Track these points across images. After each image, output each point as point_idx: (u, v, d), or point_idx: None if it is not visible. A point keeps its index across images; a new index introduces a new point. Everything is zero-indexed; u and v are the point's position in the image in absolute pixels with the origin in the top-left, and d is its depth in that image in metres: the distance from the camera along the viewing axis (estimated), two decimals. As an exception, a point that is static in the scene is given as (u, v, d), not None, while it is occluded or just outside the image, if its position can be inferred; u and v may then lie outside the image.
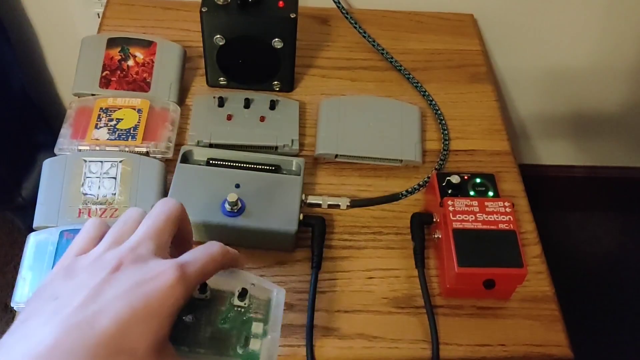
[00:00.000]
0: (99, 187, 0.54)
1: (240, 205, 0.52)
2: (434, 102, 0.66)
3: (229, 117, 0.61)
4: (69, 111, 0.60)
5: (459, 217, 0.50)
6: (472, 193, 0.54)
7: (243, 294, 0.37)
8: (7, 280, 1.02)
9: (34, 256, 0.48)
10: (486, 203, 0.51)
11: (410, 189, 0.58)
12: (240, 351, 0.36)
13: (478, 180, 0.55)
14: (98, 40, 0.64)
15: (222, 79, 0.65)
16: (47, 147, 0.62)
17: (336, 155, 0.60)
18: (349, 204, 0.56)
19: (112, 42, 0.64)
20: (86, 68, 0.63)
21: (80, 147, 0.57)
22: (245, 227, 0.52)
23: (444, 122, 0.65)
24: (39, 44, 0.87)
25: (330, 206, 0.56)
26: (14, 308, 0.48)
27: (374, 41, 0.70)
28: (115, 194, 0.54)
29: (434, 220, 0.54)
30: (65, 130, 0.58)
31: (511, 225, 0.50)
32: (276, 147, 0.59)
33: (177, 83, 0.63)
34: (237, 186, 0.54)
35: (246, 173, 0.55)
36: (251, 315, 0.37)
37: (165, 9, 0.74)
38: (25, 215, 0.95)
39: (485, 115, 0.67)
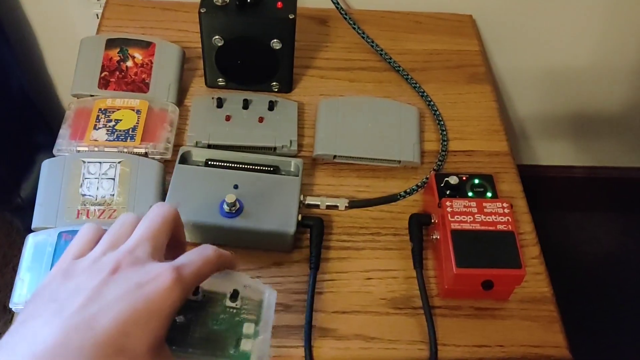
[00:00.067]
0: (98, 188, 0.54)
1: (238, 206, 0.52)
2: (432, 103, 0.66)
3: (228, 118, 0.61)
4: (67, 112, 0.60)
5: (457, 218, 0.50)
6: (470, 194, 0.54)
7: (235, 295, 0.38)
8: (6, 281, 1.02)
9: (32, 257, 0.48)
10: (484, 204, 0.51)
11: (408, 190, 0.58)
12: (232, 351, 0.37)
13: (476, 181, 0.55)
14: (97, 41, 0.64)
15: (220, 79, 0.65)
16: (46, 147, 0.62)
17: (335, 156, 0.60)
18: (347, 204, 0.56)
19: (111, 43, 0.64)
20: (85, 69, 0.63)
21: (79, 148, 0.57)
22: (243, 228, 0.52)
23: (442, 122, 0.65)
24: (38, 45, 0.87)
25: (328, 207, 0.56)
26: (12, 309, 0.48)
27: (372, 42, 0.70)
28: (113, 195, 0.54)
29: (433, 221, 0.54)
30: (64, 131, 0.58)
31: (509, 226, 0.50)
32: (275, 148, 0.59)
33: (176, 84, 0.63)
34: (236, 187, 0.54)
35: (245, 174, 0.55)
36: (243, 316, 0.38)
37: (164, 10, 0.74)
38: (24, 216, 0.95)
39: (484, 116, 0.67)
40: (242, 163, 0.56)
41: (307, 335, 0.49)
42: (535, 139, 1.00)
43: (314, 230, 0.54)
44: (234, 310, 0.38)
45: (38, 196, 0.54)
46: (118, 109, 0.59)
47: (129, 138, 0.57)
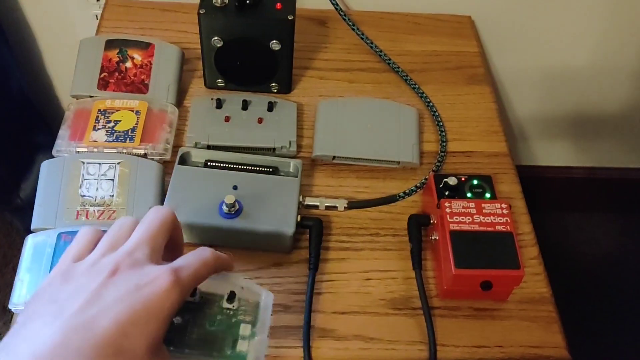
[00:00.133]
0: (97, 189, 0.54)
1: (237, 206, 0.52)
2: (431, 104, 0.66)
3: (227, 119, 0.61)
4: (67, 113, 0.60)
5: (456, 218, 0.50)
6: (469, 195, 0.54)
7: (232, 297, 0.38)
8: (6, 282, 1.02)
9: (31, 258, 0.48)
10: (483, 205, 0.51)
11: (407, 191, 0.58)
12: (228, 352, 0.37)
13: (475, 181, 0.55)
14: (96, 42, 0.64)
15: (220, 80, 0.65)
16: (46, 148, 0.62)
17: (334, 157, 0.60)
18: (346, 205, 0.56)
19: (110, 44, 0.64)
20: (84, 70, 0.63)
21: (78, 149, 0.57)
22: (242, 229, 0.52)
23: (441, 123, 0.65)
24: (38, 46, 0.87)
25: (327, 208, 0.56)
26: (12, 310, 0.48)
27: (371, 43, 0.70)
28: (113, 195, 0.54)
29: (431, 221, 0.54)
30: (64, 132, 0.58)
31: (508, 226, 0.50)
32: (274, 149, 0.59)
33: (175, 85, 0.63)
34: (235, 188, 0.54)
35: (244, 175, 0.55)
36: (240, 317, 0.38)
37: (163, 11, 0.74)
38: (24, 217, 0.95)
39: (483, 117, 0.67)
40: (242, 164, 0.56)
41: (305, 336, 0.49)
42: (534, 139, 1.00)
43: (313, 231, 0.54)
44: (231, 312, 0.38)
45: (37, 197, 0.54)
46: (117, 110, 0.59)
47: (128, 139, 0.57)
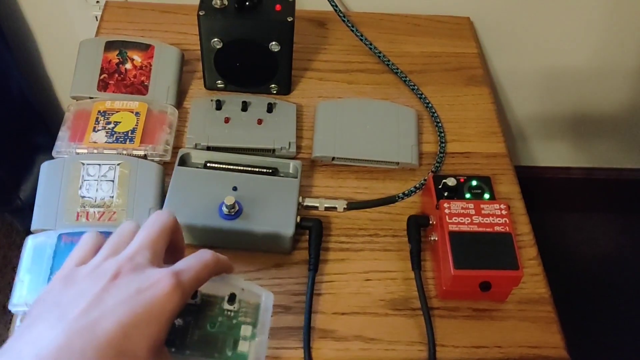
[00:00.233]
0: (97, 190, 0.54)
1: (237, 207, 0.52)
2: (430, 105, 0.66)
3: (227, 120, 0.61)
4: (67, 114, 0.60)
5: (455, 219, 0.51)
6: (468, 195, 0.54)
7: (232, 298, 0.39)
8: (6, 282, 1.02)
9: (32, 259, 0.48)
10: (482, 205, 0.52)
11: (406, 192, 0.58)
12: (229, 353, 0.37)
13: (474, 182, 0.55)
14: (96, 43, 0.65)
15: (219, 82, 0.65)
16: (46, 149, 0.62)
17: (333, 158, 0.60)
18: (345, 206, 0.56)
19: (110, 46, 0.64)
20: (84, 71, 0.63)
21: (78, 150, 0.57)
22: (242, 230, 0.52)
23: (440, 124, 0.65)
24: (38, 47, 0.87)
25: (327, 208, 0.56)
26: (12, 311, 0.48)
27: (370, 44, 0.71)
28: (113, 196, 0.54)
29: (431, 222, 0.54)
30: (63, 133, 0.58)
31: (507, 227, 0.50)
32: (273, 150, 0.60)
33: (175, 86, 0.63)
34: (235, 189, 0.54)
35: (243, 176, 0.55)
36: (240, 319, 0.39)
37: (162, 12, 0.74)
38: (24, 218, 0.95)
39: (482, 118, 0.67)
40: (241, 165, 0.56)
41: (306, 337, 0.49)
42: (533, 140, 1.01)
43: (312, 232, 0.54)
44: (232, 313, 0.39)
45: (37, 198, 0.54)
46: (117, 111, 0.59)
47: (128, 140, 0.57)
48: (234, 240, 0.53)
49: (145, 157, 0.57)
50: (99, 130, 0.58)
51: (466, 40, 0.75)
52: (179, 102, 0.64)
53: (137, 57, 0.64)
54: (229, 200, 0.51)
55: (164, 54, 0.64)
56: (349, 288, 0.53)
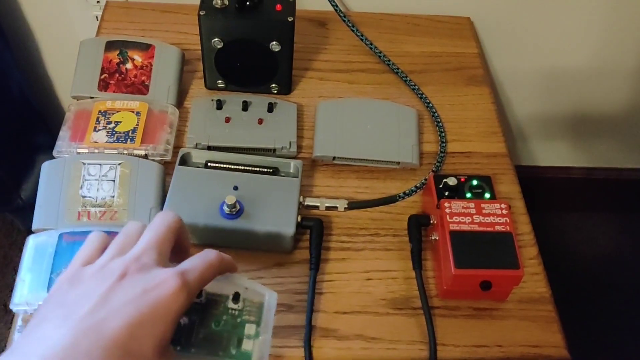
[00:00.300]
0: (98, 190, 0.54)
1: (238, 207, 0.52)
2: (431, 105, 0.67)
3: (227, 120, 0.61)
4: (67, 114, 0.60)
5: (456, 219, 0.51)
6: (468, 195, 0.54)
7: (236, 297, 0.39)
8: (7, 282, 1.02)
9: (33, 258, 0.49)
10: (483, 205, 0.52)
11: (407, 191, 0.58)
12: (233, 351, 0.38)
13: (475, 182, 0.55)
14: (96, 43, 0.65)
15: (220, 81, 0.65)
16: (46, 149, 0.62)
17: (334, 158, 0.60)
18: (346, 206, 0.56)
19: (110, 45, 0.64)
20: (85, 71, 0.63)
21: (79, 150, 0.57)
22: (243, 229, 0.52)
23: (441, 124, 0.65)
24: (38, 47, 0.87)
25: (328, 208, 0.56)
26: (13, 310, 0.48)
27: (371, 44, 0.71)
28: (114, 196, 0.54)
29: (431, 222, 0.54)
30: (64, 133, 0.58)
31: (508, 227, 0.50)
32: (274, 150, 0.60)
33: (176, 86, 0.64)
34: (236, 188, 0.54)
35: (244, 175, 0.55)
36: (244, 317, 0.39)
37: (163, 12, 0.74)
38: (25, 217, 0.95)
39: (482, 118, 0.67)
40: (242, 164, 0.56)
41: (307, 336, 0.49)
42: (533, 140, 1.01)
43: (313, 231, 0.54)
44: (236, 312, 0.39)
45: (38, 198, 0.54)
46: (118, 111, 0.59)
47: (129, 140, 0.57)
48: (235, 239, 0.53)
49: (146, 156, 0.57)
50: (99, 130, 0.58)
51: (466, 40, 0.75)
52: (180, 102, 0.64)
53: (138, 57, 0.64)
54: (230, 199, 0.51)
55: (165, 54, 0.64)
56: (350, 287, 0.53)
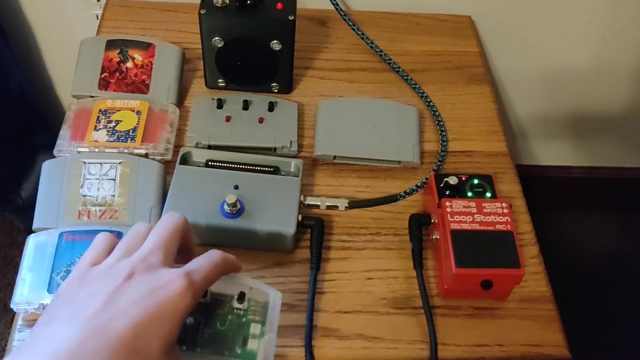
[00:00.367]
0: (98, 189, 0.54)
1: (239, 206, 0.52)
2: (432, 104, 0.66)
3: (228, 119, 0.61)
4: (68, 113, 0.60)
5: (457, 218, 0.51)
6: (469, 194, 0.54)
7: (241, 297, 0.40)
8: (7, 281, 1.02)
9: (33, 257, 0.49)
10: (484, 204, 0.52)
11: (408, 190, 0.58)
12: (238, 351, 0.38)
13: (476, 181, 0.55)
14: (97, 42, 0.65)
15: (220, 80, 0.65)
16: (47, 148, 0.62)
17: (335, 157, 0.60)
18: (347, 205, 0.56)
19: (110, 44, 0.64)
20: (85, 70, 0.63)
21: (79, 149, 0.57)
22: (244, 229, 0.52)
23: (442, 123, 0.65)
24: (38, 46, 0.87)
25: (328, 207, 0.56)
26: (14, 309, 0.48)
27: (372, 43, 0.71)
28: (114, 195, 0.54)
29: (432, 221, 0.54)
30: (65, 132, 0.58)
31: (509, 226, 0.50)
32: (275, 149, 0.60)
33: (176, 85, 0.63)
34: (236, 187, 0.54)
35: (245, 174, 0.55)
36: (250, 317, 0.39)
37: (163, 11, 0.74)
38: (25, 217, 0.95)
39: (483, 117, 0.67)
40: (243, 164, 0.56)
41: (307, 336, 0.49)
42: (534, 139, 1.01)
43: (314, 231, 0.54)
44: (241, 312, 0.39)
45: (39, 197, 0.54)
46: (118, 110, 0.59)
47: (129, 139, 0.57)
48: (235, 238, 0.53)
49: (146, 155, 0.57)
50: (100, 129, 0.58)
51: (467, 39, 0.75)
52: (180, 101, 0.64)
53: (138, 56, 0.64)
54: (231, 198, 0.51)
55: (165, 53, 0.64)
56: (350, 287, 0.53)
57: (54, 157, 0.57)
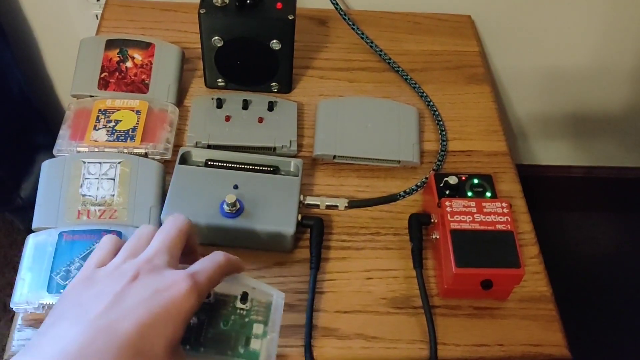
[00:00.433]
0: (98, 189, 0.54)
1: (238, 206, 0.52)
2: (431, 103, 0.66)
3: (228, 119, 0.61)
4: (67, 112, 0.60)
5: (457, 217, 0.51)
6: (469, 194, 0.54)
7: (244, 297, 0.40)
8: (7, 281, 1.02)
9: (33, 257, 0.49)
10: (484, 204, 0.51)
11: (408, 190, 0.58)
12: (241, 350, 0.39)
13: (476, 180, 0.55)
14: (96, 41, 0.64)
15: (220, 80, 0.65)
16: (46, 148, 0.62)
17: (334, 156, 0.60)
18: (347, 204, 0.56)
19: (110, 44, 0.64)
20: (85, 69, 0.63)
21: (79, 149, 0.57)
22: (243, 228, 0.52)
23: (441, 123, 0.65)
24: (38, 46, 0.87)
25: (328, 207, 0.56)
26: (13, 309, 0.48)
27: (371, 42, 0.71)
28: (114, 195, 0.54)
29: (432, 221, 0.54)
30: (64, 132, 0.58)
31: (509, 225, 0.50)
32: (274, 148, 0.60)
33: (176, 84, 0.63)
34: (236, 187, 0.54)
35: (244, 174, 0.55)
36: (252, 317, 0.40)
37: (163, 11, 0.74)
38: (25, 216, 0.95)
39: (483, 116, 0.67)
40: (242, 163, 0.56)
41: (307, 335, 0.49)
42: (534, 139, 1.01)
43: (314, 230, 0.54)
44: (244, 312, 0.40)
45: (38, 197, 0.54)
46: (118, 110, 0.59)
47: (129, 138, 0.57)
48: (235, 238, 0.53)
49: (146, 155, 0.57)
50: (99, 128, 0.58)
51: (467, 39, 0.75)
52: (180, 101, 0.64)
53: (138, 56, 0.64)
54: (230, 198, 0.51)
55: (165, 52, 0.64)
56: (350, 286, 0.53)
57: (53, 156, 0.57)
